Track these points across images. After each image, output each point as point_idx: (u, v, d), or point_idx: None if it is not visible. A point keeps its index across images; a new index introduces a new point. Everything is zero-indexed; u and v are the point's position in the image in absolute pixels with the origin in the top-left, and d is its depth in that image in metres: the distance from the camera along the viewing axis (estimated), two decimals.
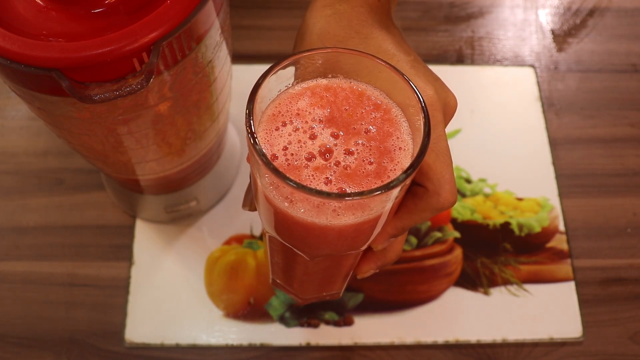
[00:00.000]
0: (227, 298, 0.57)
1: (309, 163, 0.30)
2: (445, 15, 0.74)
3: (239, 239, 0.60)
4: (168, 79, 0.39)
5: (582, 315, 0.57)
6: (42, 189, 0.62)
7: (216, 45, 0.42)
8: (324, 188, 0.29)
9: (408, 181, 0.28)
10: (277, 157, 0.30)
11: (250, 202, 0.37)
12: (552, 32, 0.74)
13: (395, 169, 0.30)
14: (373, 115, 0.31)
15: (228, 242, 0.60)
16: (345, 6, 0.35)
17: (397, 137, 0.31)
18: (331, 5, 0.35)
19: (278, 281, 0.45)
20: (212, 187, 0.61)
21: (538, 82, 0.70)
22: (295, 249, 0.34)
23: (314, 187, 0.27)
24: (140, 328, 0.56)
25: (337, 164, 0.30)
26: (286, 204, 0.29)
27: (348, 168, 0.30)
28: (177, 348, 0.55)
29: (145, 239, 0.60)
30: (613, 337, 0.57)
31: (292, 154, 0.30)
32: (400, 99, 0.31)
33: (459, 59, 0.71)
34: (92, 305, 0.57)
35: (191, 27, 0.37)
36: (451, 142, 0.65)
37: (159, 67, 0.37)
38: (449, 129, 0.66)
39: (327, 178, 0.29)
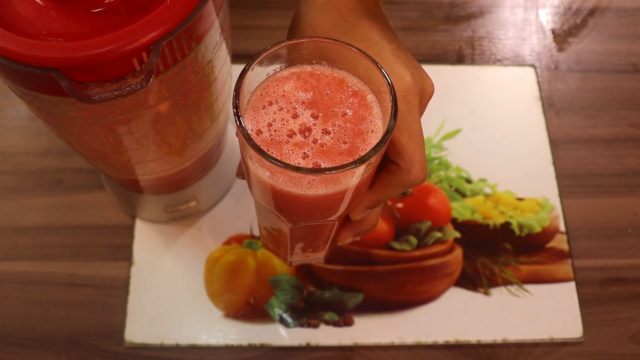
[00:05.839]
0: (227, 298, 0.57)
1: (289, 139, 0.33)
2: (445, 15, 0.74)
3: (239, 239, 0.60)
4: (168, 79, 0.39)
5: (582, 315, 0.57)
6: (42, 189, 0.62)
7: (216, 45, 0.42)
8: (302, 162, 0.32)
9: (373, 159, 0.31)
10: (261, 132, 0.33)
11: (242, 171, 0.40)
12: (553, 31, 0.74)
13: (366, 149, 0.33)
14: (351, 101, 0.34)
15: (228, 242, 0.60)
16: None
17: (371, 121, 0.34)
18: None
19: (268, 245, 0.47)
20: (212, 187, 0.61)
21: (538, 82, 0.70)
22: (277, 216, 0.37)
23: (288, 163, 0.31)
24: (140, 328, 0.56)
25: (315, 141, 0.33)
26: (267, 174, 0.32)
27: (324, 146, 0.33)
28: (177, 348, 0.55)
29: (145, 239, 0.60)
30: (613, 337, 0.57)
31: (275, 130, 0.33)
32: (376, 85, 0.34)
33: (459, 59, 0.71)
34: (92, 305, 0.57)
35: (191, 27, 0.37)
36: (451, 142, 0.66)
37: (159, 67, 0.37)
38: (449, 128, 0.66)
39: (305, 153, 0.32)
